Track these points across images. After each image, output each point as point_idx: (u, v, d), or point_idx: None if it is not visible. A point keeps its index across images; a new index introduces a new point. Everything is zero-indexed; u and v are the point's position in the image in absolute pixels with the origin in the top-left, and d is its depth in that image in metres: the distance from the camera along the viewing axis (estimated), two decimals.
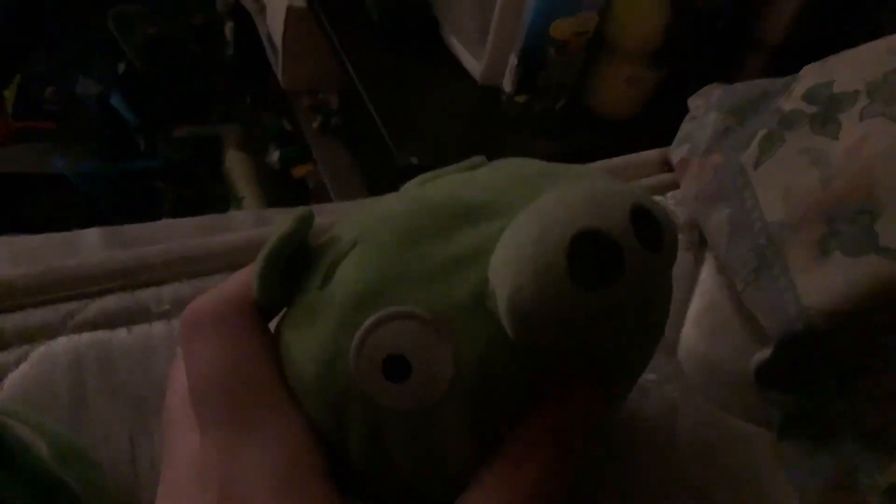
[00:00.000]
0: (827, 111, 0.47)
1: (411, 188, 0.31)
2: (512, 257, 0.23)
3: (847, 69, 0.49)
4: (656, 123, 0.70)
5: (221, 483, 0.23)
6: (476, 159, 0.34)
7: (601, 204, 0.23)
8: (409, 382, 0.24)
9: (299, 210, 0.28)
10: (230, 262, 0.45)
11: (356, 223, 0.28)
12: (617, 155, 0.68)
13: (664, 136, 0.64)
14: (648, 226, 0.23)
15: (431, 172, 0.33)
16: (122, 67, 1.64)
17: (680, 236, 0.53)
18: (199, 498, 0.24)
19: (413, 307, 0.24)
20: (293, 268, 0.28)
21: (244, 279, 0.28)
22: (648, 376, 0.46)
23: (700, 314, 0.49)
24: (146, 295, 0.43)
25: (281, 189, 1.49)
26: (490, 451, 0.25)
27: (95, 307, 0.42)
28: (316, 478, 0.24)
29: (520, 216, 0.24)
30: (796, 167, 0.46)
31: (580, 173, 0.30)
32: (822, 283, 0.42)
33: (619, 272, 0.22)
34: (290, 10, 1.16)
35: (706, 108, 0.58)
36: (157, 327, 0.42)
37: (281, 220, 0.28)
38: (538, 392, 0.25)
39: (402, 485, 0.26)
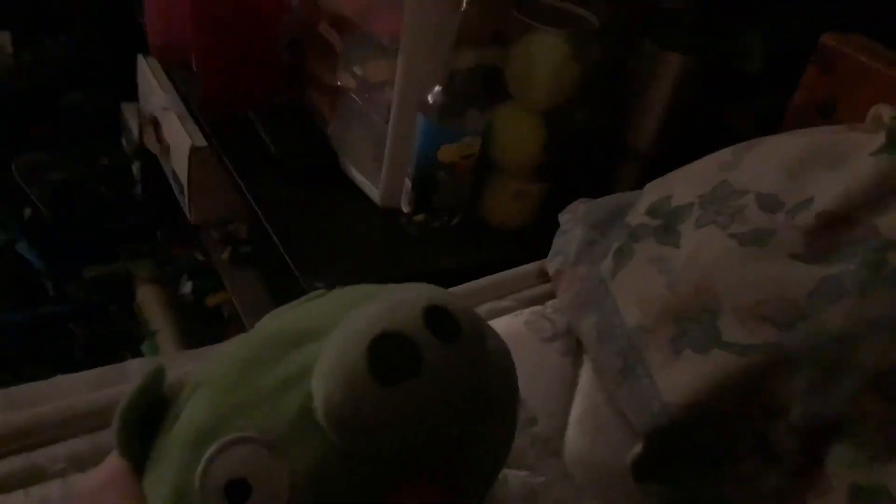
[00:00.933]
0: (668, 223, 0.52)
1: (262, 323, 0.34)
2: (324, 370, 0.26)
3: (683, 184, 0.55)
4: (547, 232, 0.75)
5: None
6: (316, 293, 0.37)
7: (395, 309, 0.26)
8: (250, 502, 0.26)
9: (149, 367, 0.31)
10: None
11: (201, 367, 0.31)
12: (514, 263, 0.73)
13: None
14: (444, 321, 0.26)
15: (280, 308, 0.36)
16: (27, 214, 1.64)
17: (558, 343, 0.57)
18: None
19: (248, 431, 0.27)
20: (151, 422, 0.30)
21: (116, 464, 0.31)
22: (538, 479, 0.49)
23: (581, 415, 0.53)
24: (42, 455, 0.44)
25: (196, 320, 1.49)
26: None
27: None
28: None
29: (333, 334, 0.28)
30: (646, 275, 0.51)
31: (400, 289, 0.33)
32: (678, 379, 0.46)
33: (418, 366, 0.25)
34: (193, 150, 1.20)
35: (573, 223, 0.63)
36: (53, 487, 0.43)
37: (173, 362, 0.31)
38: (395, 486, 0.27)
39: None
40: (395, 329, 0.25)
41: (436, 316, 0.26)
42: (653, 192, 0.55)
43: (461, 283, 0.69)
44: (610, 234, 0.58)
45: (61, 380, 0.50)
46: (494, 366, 0.31)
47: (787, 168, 0.51)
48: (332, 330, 0.29)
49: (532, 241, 0.89)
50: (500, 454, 0.33)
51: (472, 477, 0.32)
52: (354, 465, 0.26)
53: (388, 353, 0.25)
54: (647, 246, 0.52)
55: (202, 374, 0.30)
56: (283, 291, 1.25)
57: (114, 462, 0.30)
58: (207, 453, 0.26)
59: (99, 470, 0.31)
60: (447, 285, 0.73)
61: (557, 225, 0.70)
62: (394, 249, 0.99)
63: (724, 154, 0.55)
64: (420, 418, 0.26)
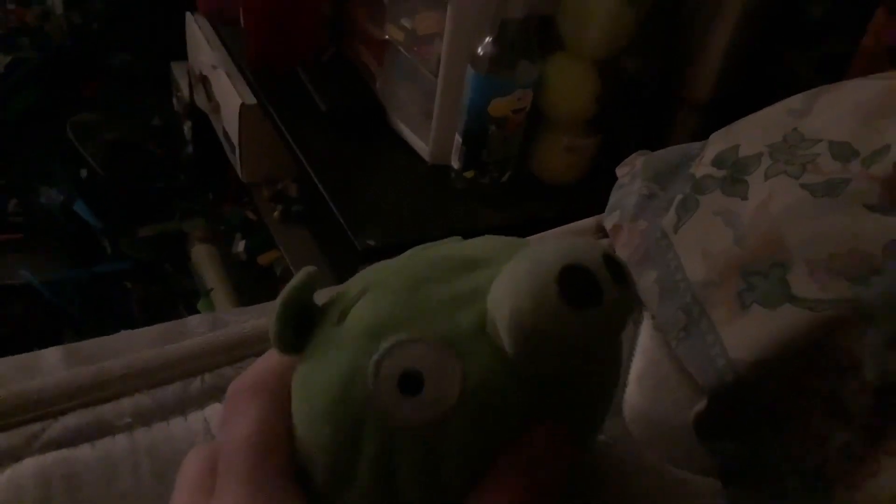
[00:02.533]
0: (735, 174, 0.50)
1: (415, 252, 0.35)
2: (510, 287, 0.27)
3: (750, 133, 0.52)
4: (599, 187, 0.74)
5: None
6: (455, 238, 0.37)
7: (581, 249, 0.27)
8: (422, 395, 0.27)
9: (305, 267, 0.31)
10: (188, 369, 0.47)
11: (363, 279, 0.31)
12: (565, 220, 0.71)
13: (607, 199, 0.67)
14: (617, 268, 0.27)
15: (423, 245, 0.36)
16: (83, 174, 1.67)
17: None
18: None
19: (424, 334, 0.27)
20: (304, 321, 0.31)
21: (273, 360, 0.31)
22: (599, 437, 0.48)
23: (642, 373, 0.52)
24: (107, 410, 0.45)
25: (248, 278, 1.51)
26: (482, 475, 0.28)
27: (58, 426, 0.44)
28: None
29: (512, 261, 0.28)
30: (712, 228, 0.49)
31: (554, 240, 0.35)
32: (745, 335, 0.45)
33: (600, 298, 0.26)
34: (244, 108, 1.20)
35: (631, 176, 0.61)
36: (120, 441, 0.43)
37: (236, 321, 0.31)
38: (533, 422, 0.28)
39: None
40: (581, 263, 0.26)
41: (611, 262, 0.27)
42: (718, 141, 0.53)
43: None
44: (671, 186, 0.56)
45: (124, 335, 0.51)
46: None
47: (863, 115, 0.48)
48: (497, 261, 0.30)
49: (584, 196, 0.88)
50: (606, 413, 0.33)
51: (594, 424, 0.33)
52: (521, 381, 0.27)
53: (577, 281, 0.26)
54: (713, 198, 0.50)
55: (368, 282, 0.31)
56: (334, 249, 1.26)
57: (268, 363, 0.31)
58: (385, 345, 0.27)
59: (257, 363, 0.32)
60: None
61: (610, 180, 0.68)
62: (443, 206, 0.98)
63: (794, 101, 0.52)
64: (592, 345, 0.27)
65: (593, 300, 0.26)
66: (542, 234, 0.64)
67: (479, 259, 0.31)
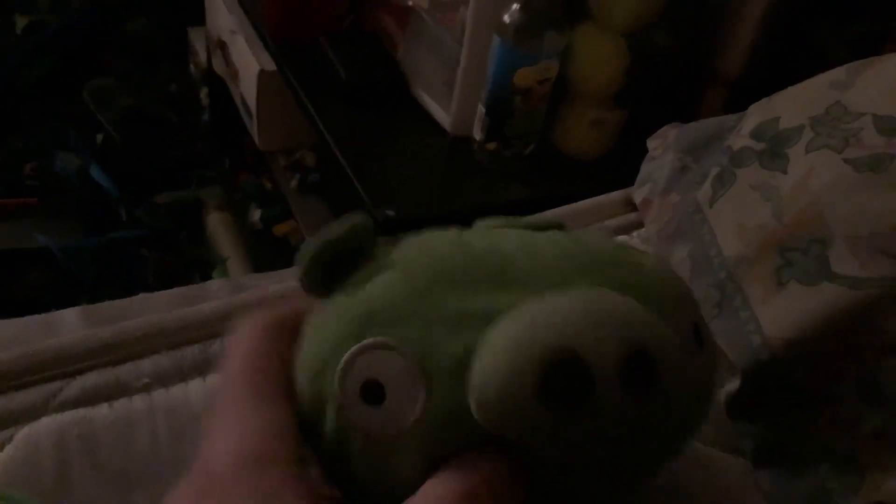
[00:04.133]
0: (774, 147, 0.49)
1: (480, 227, 0.33)
2: (488, 355, 0.24)
3: (791, 105, 0.51)
4: (624, 162, 0.72)
5: (200, 461, 0.26)
6: (553, 220, 0.35)
7: (592, 324, 0.23)
8: (380, 409, 0.26)
9: (354, 216, 0.30)
10: (207, 332, 0.46)
11: (407, 248, 0.30)
12: (588, 195, 0.70)
13: (632, 175, 0.66)
14: (644, 367, 0.23)
15: (506, 219, 0.34)
16: (100, 139, 1.66)
17: None
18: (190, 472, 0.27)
19: (405, 346, 0.26)
20: (342, 265, 0.30)
21: (288, 308, 0.31)
22: None
23: None
24: (126, 370, 0.44)
25: (264, 248, 1.50)
26: None
27: (77, 385, 0.43)
28: (277, 464, 0.26)
29: (522, 308, 0.25)
30: (749, 202, 0.48)
31: (632, 271, 0.30)
32: (782, 313, 0.44)
33: (586, 397, 0.23)
34: (262, 74, 1.19)
35: (664, 149, 0.60)
36: (138, 401, 0.43)
37: (254, 286, 0.30)
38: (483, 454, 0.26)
39: (359, 491, 0.28)
40: (579, 352, 0.23)
41: (636, 359, 0.23)
42: (758, 113, 0.51)
43: (534, 214, 0.66)
44: (705, 159, 0.54)
45: (144, 298, 0.50)
46: (671, 420, 0.27)
47: None
48: (535, 283, 0.27)
49: (608, 172, 0.86)
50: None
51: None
52: (484, 431, 0.25)
53: (561, 375, 0.23)
54: (751, 171, 0.49)
55: (403, 258, 0.29)
56: None
57: (284, 311, 0.31)
58: (368, 339, 0.26)
59: (276, 305, 0.32)
60: (520, 215, 0.71)
61: (635, 155, 0.67)
62: (465, 178, 0.97)
63: (838, 73, 0.51)
64: (574, 449, 0.24)
65: (578, 404, 0.23)
66: (570, 206, 0.62)
67: (516, 273, 0.28)
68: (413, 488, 0.26)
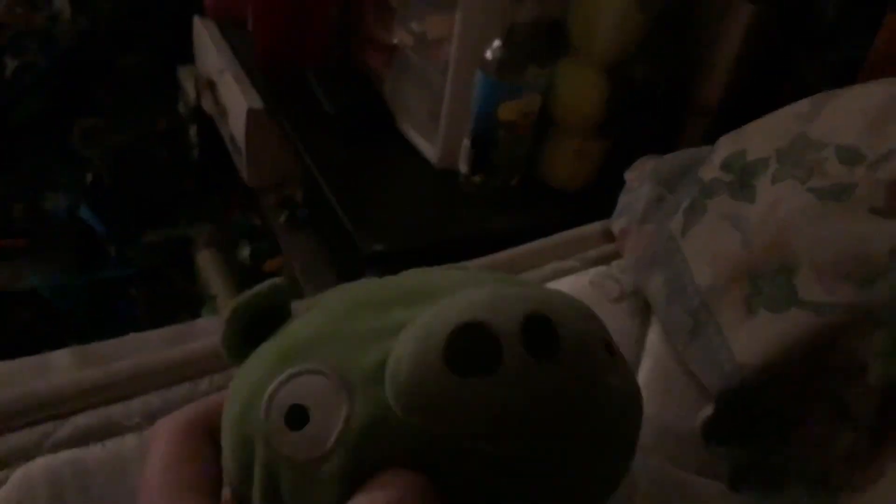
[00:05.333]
0: (742, 178, 0.51)
1: (406, 272, 0.34)
2: (402, 339, 0.26)
3: (758, 137, 0.53)
4: (608, 192, 0.74)
5: None
6: (461, 265, 0.37)
7: (497, 302, 0.25)
8: (304, 431, 0.26)
9: (271, 280, 0.31)
10: (196, 370, 0.47)
11: (325, 293, 0.32)
12: (574, 224, 0.72)
13: (616, 204, 0.67)
14: (544, 333, 0.25)
15: (420, 269, 0.35)
16: (88, 178, 1.67)
17: (625, 303, 0.56)
18: None
19: (324, 366, 0.27)
20: (260, 329, 0.31)
21: (206, 403, 0.32)
22: None
23: (649, 377, 0.52)
24: (117, 410, 0.45)
25: (253, 285, 1.51)
26: None
27: (69, 426, 0.44)
28: None
29: (427, 308, 0.27)
30: (719, 232, 0.49)
31: (541, 289, 0.32)
32: (752, 339, 0.45)
33: (492, 367, 0.24)
34: (250, 112, 1.21)
35: (641, 180, 0.61)
36: (129, 440, 0.44)
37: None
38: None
39: None
40: (484, 321, 0.24)
41: (536, 326, 0.24)
42: (727, 145, 0.53)
43: (520, 245, 0.68)
44: (680, 190, 0.56)
45: (134, 337, 0.51)
46: (594, 404, 0.27)
47: (869, 119, 0.48)
48: (447, 296, 0.28)
49: (593, 201, 0.88)
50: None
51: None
52: (406, 433, 0.26)
53: (468, 344, 0.24)
54: (721, 202, 0.51)
55: (324, 297, 0.31)
56: (341, 255, 1.26)
57: (200, 408, 0.32)
58: (291, 370, 0.27)
59: (189, 405, 0.33)
60: (505, 246, 0.73)
61: (618, 185, 0.68)
62: (452, 210, 0.98)
63: (801, 105, 0.53)
64: (486, 420, 0.25)
65: (485, 369, 0.24)
66: (551, 238, 0.64)
67: (429, 290, 0.30)
68: None
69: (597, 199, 0.82)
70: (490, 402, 0.24)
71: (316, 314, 0.30)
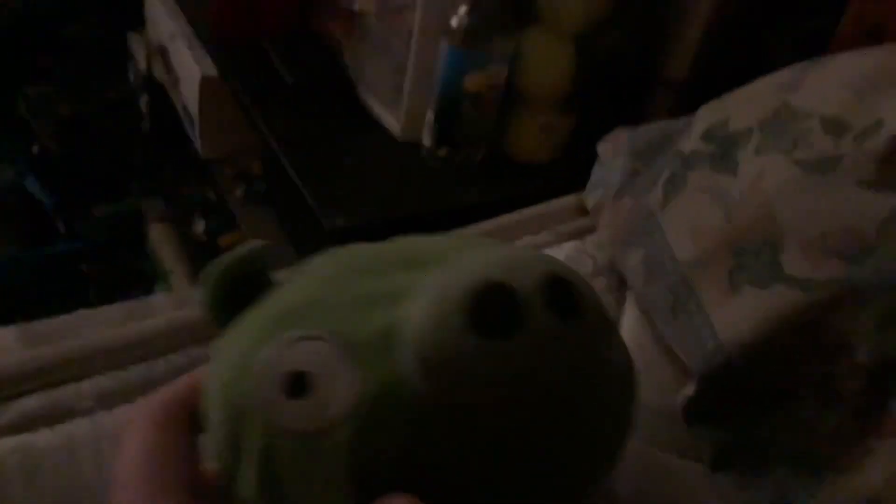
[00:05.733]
0: (724, 149, 0.49)
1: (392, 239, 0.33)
2: (419, 305, 0.24)
3: (740, 107, 0.51)
4: (575, 166, 0.72)
5: None
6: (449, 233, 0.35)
7: (516, 262, 0.24)
8: (305, 400, 0.24)
9: (251, 242, 0.30)
10: (151, 349, 0.44)
11: (313, 260, 0.30)
12: (539, 199, 0.70)
13: (582, 179, 0.66)
14: (564, 297, 0.24)
15: (407, 237, 0.34)
16: (35, 149, 1.61)
17: (600, 279, 0.55)
18: None
19: (324, 332, 0.25)
20: (242, 294, 0.29)
21: (184, 383, 0.30)
22: None
23: None
24: (67, 392, 0.42)
25: (208, 260, 1.47)
26: (368, 498, 0.24)
27: (15, 410, 0.41)
28: None
29: (437, 271, 0.25)
30: (700, 206, 0.48)
31: (515, 247, 0.32)
32: (735, 316, 0.44)
33: (514, 329, 0.22)
34: (204, 80, 1.16)
35: (614, 153, 0.60)
36: (81, 425, 0.41)
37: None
38: (424, 458, 0.24)
39: None
40: (506, 281, 0.23)
41: (557, 288, 0.23)
42: (707, 115, 0.52)
43: (485, 220, 0.66)
44: (656, 163, 0.55)
45: (84, 314, 0.48)
46: (606, 374, 0.27)
47: (855, 88, 0.47)
48: (445, 261, 0.27)
49: (558, 176, 0.86)
50: (575, 479, 0.28)
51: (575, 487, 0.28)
52: (429, 413, 0.24)
53: (492, 305, 0.23)
54: (702, 174, 0.49)
55: (312, 262, 0.29)
56: (300, 230, 1.23)
57: (174, 391, 0.30)
58: (286, 335, 0.25)
59: (162, 389, 0.31)
60: (471, 221, 0.71)
61: (585, 160, 0.67)
62: (415, 184, 0.96)
63: (784, 74, 0.51)
64: (507, 384, 0.23)
65: (510, 328, 0.23)
66: (522, 211, 0.62)
67: (427, 255, 0.28)
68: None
69: (563, 173, 0.80)
70: (516, 363, 0.23)
71: (306, 280, 0.28)
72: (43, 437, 0.41)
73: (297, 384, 0.24)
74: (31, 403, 0.42)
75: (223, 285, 0.29)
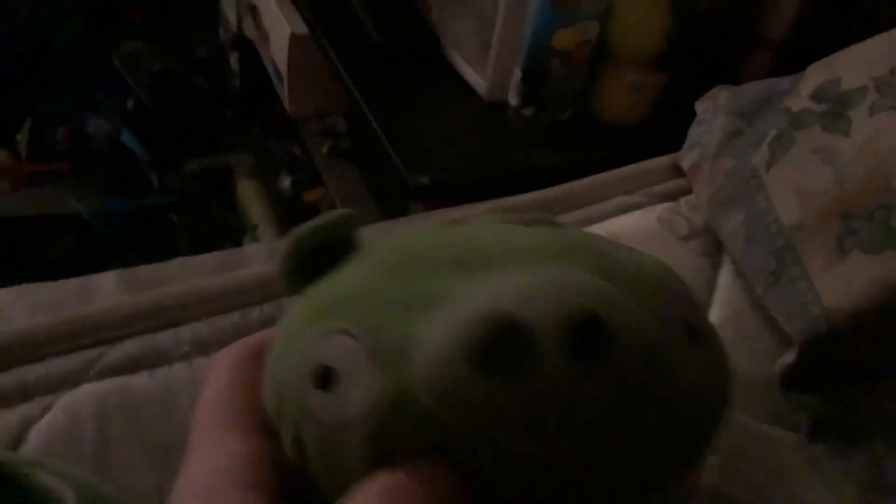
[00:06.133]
0: (836, 109, 0.46)
1: (478, 220, 0.32)
2: (433, 332, 0.23)
3: (853, 65, 0.48)
4: (664, 128, 0.70)
5: (172, 494, 0.26)
6: (544, 217, 0.34)
7: (538, 293, 0.22)
8: (330, 393, 0.24)
9: (337, 211, 0.30)
10: (246, 299, 0.45)
11: (385, 240, 0.30)
12: (626, 162, 0.68)
13: (673, 141, 0.64)
14: (592, 331, 0.21)
15: (487, 218, 0.33)
16: (130, 104, 1.66)
17: (695, 241, 0.53)
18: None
19: (357, 329, 0.25)
20: (322, 260, 0.29)
21: (267, 333, 0.31)
22: None
23: (721, 321, 0.49)
24: (165, 337, 0.43)
25: (293, 215, 1.49)
26: None
27: (116, 353, 0.42)
28: (244, 490, 0.25)
29: (462, 293, 0.24)
30: (809, 167, 0.45)
31: (614, 261, 0.28)
32: (842, 282, 0.42)
33: (530, 366, 0.21)
34: (293, 38, 1.17)
35: (714, 112, 0.57)
36: (178, 370, 0.42)
37: None
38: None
39: (322, 499, 0.26)
40: (520, 317, 0.21)
41: (582, 322, 0.21)
42: (817, 74, 0.49)
43: (570, 181, 0.64)
44: (759, 122, 0.52)
45: (181, 262, 0.49)
46: (660, 408, 0.24)
47: None
48: (502, 268, 0.26)
49: (647, 138, 0.84)
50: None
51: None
52: (438, 432, 0.23)
53: (501, 339, 0.21)
54: (811, 134, 0.46)
55: (377, 245, 0.29)
56: (384, 188, 1.23)
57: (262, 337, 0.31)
58: (325, 325, 0.26)
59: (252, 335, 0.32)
60: (555, 183, 0.69)
61: (676, 121, 0.64)
62: (499, 144, 0.95)
63: None
64: (517, 427, 0.22)
65: (515, 371, 0.21)
66: (615, 171, 0.60)
67: (482, 258, 0.27)
68: None
69: (652, 135, 0.78)
70: (521, 404, 0.21)
71: (362, 267, 0.28)
72: (142, 380, 0.42)
73: (325, 377, 0.25)
74: (131, 347, 0.43)
75: (299, 255, 0.29)
